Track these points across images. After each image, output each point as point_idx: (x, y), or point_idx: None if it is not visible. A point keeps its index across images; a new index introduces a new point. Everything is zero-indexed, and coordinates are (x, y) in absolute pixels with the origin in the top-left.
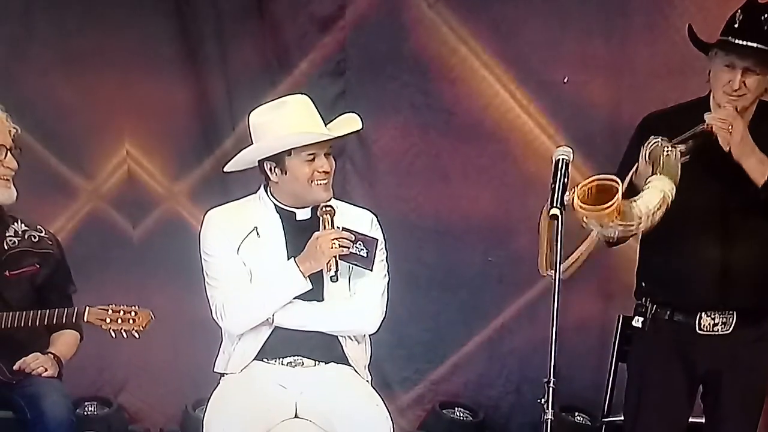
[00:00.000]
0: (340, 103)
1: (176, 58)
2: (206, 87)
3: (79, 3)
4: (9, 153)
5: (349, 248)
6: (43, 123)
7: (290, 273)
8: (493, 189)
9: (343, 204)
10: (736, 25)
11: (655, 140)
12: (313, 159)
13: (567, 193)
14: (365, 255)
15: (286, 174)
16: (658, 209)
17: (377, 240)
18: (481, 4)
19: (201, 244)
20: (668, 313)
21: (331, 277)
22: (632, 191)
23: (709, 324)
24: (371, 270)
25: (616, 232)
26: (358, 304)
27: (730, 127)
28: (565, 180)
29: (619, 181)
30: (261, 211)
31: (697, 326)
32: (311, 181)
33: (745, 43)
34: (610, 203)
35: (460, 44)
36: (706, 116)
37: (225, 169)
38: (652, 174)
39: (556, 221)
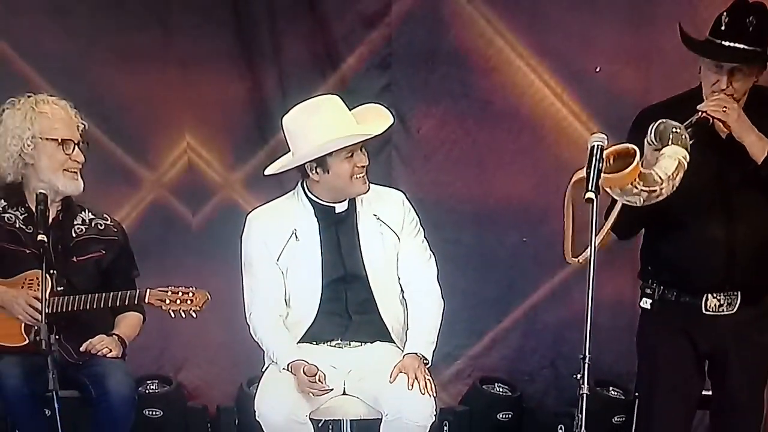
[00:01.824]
0: (386, 95)
1: (232, 54)
2: (260, 81)
3: (141, 3)
4: (77, 147)
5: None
6: (109, 118)
7: (289, 348)
8: (528, 174)
9: (375, 187)
10: (723, 27)
11: (661, 121)
12: (352, 155)
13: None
14: None
15: (328, 173)
16: (676, 174)
17: None
18: None
19: (243, 248)
20: (675, 294)
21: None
22: None
23: (715, 305)
24: None
25: (641, 199)
26: (427, 295)
27: (724, 108)
28: (600, 165)
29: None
30: (299, 212)
31: (703, 307)
32: (352, 177)
33: (731, 44)
34: (631, 166)
35: (497, 37)
36: (699, 106)
37: (266, 173)
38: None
39: (591, 204)
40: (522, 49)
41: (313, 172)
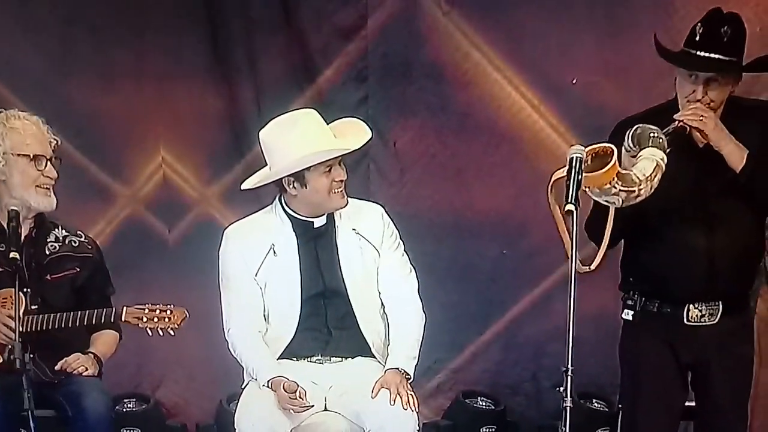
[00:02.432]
0: (363, 108)
1: (208, 68)
2: (236, 95)
3: (115, 16)
4: (49, 163)
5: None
6: (82, 132)
7: (265, 372)
8: (506, 186)
9: (353, 200)
10: (697, 38)
11: (638, 126)
12: (330, 170)
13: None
14: None
15: (306, 187)
16: (654, 175)
17: None
18: (492, 12)
19: (220, 264)
20: (656, 305)
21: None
22: None
23: (697, 315)
24: None
25: (620, 199)
26: (408, 309)
27: (701, 117)
28: (579, 177)
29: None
30: (277, 227)
31: (684, 318)
32: (330, 191)
33: (706, 54)
34: (608, 165)
35: (473, 50)
36: (676, 116)
37: (242, 187)
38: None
39: (570, 216)
40: (499, 61)
41: (291, 186)
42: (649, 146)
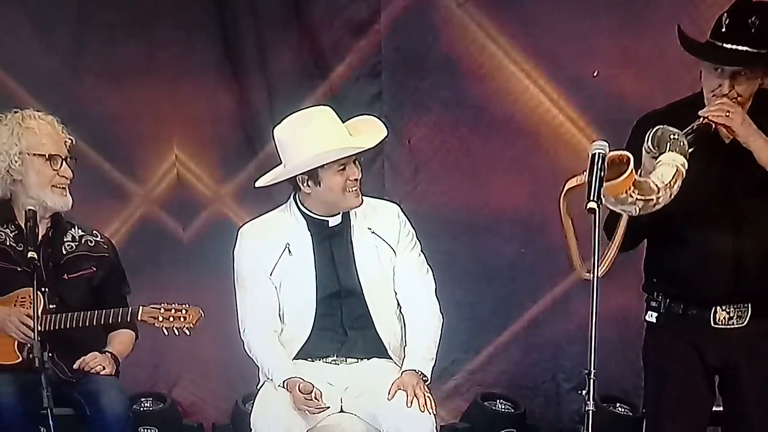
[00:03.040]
0: (377, 104)
1: (219, 66)
2: (248, 93)
3: (126, 15)
4: (64, 162)
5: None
6: (96, 132)
7: (281, 373)
8: (524, 182)
9: (369, 199)
10: (723, 29)
11: (658, 128)
12: (344, 168)
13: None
14: None
15: (320, 186)
16: (674, 181)
17: None
18: (508, 3)
19: (235, 264)
20: (681, 307)
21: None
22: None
23: (725, 318)
24: None
25: (637, 208)
26: (425, 310)
27: (727, 112)
28: (602, 174)
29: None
30: (292, 226)
31: (711, 320)
32: (344, 190)
33: (732, 47)
34: (624, 174)
35: (489, 42)
36: (701, 112)
37: (257, 185)
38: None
39: (593, 214)
40: (516, 54)
41: (305, 184)
42: (668, 150)
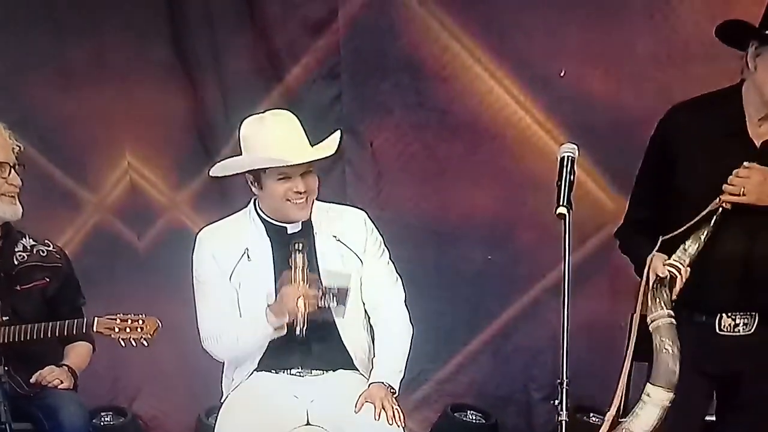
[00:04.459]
0: (336, 107)
1: (171, 68)
2: (202, 95)
3: (74, 17)
4: (13, 170)
5: (315, 305)
6: (45, 137)
7: (260, 320)
8: (491, 187)
9: (334, 206)
10: None
11: (662, 319)
12: (287, 179)
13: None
14: (335, 304)
15: (262, 190)
16: (657, 423)
17: (348, 289)
18: (472, 0)
19: (193, 267)
20: (687, 314)
21: (296, 334)
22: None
23: (730, 325)
24: (342, 317)
25: None
26: (395, 321)
27: (742, 189)
28: (571, 177)
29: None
30: (251, 231)
31: (717, 327)
32: (285, 200)
33: None
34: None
35: (452, 41)
36: (723, 197)
37: (210, 173)
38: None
39: (563, 219)
40: (480, 53)
41: (253, 185)
42: (655, 377)
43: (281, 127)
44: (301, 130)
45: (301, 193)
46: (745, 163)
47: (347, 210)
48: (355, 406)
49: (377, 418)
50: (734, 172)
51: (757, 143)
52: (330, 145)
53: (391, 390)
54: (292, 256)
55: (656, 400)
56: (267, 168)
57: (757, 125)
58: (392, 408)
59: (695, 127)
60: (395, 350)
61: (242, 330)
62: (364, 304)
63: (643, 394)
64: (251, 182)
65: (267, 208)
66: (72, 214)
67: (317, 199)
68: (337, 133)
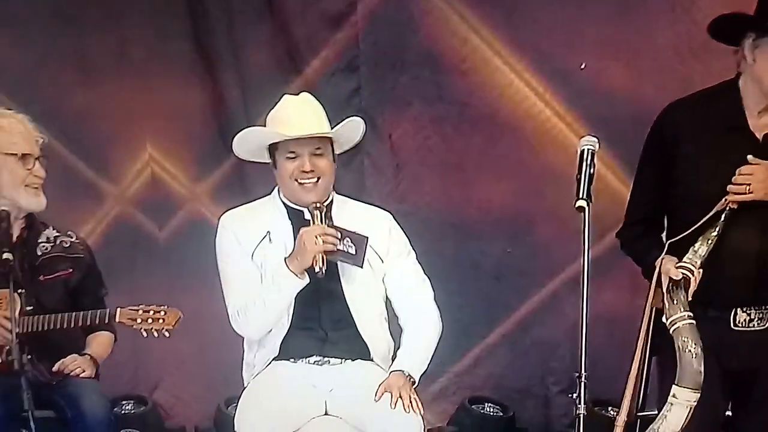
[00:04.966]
0: (355, 100)
1: (191, 62)
2: (222, 88)
3: (95, 12)
4: (37, 162)
5: (335, 245)
6: (68, 130)
7: (281, 272)
8: (510, 179)
9: (361, 205)
10: None
11: (683, 321)
12: (295, 157)
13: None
14: (353, 252)
15: (276, 169)
16: (686, 424)
17: (366, 238)
18: None
19: (216, 249)
20: (702, 309)
21: (317, 273)
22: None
23: (745, 320)
24: (361, 267)
25: None
26: (422, 319)
27: (747, 188)
28: (591, 171)
29: None
30: (273, 215)
31: (732, 322)
32: (295, 180)
33: None
34: None
35: (472, 34)
36: (729, 197)
37: (233, 148)
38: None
39: (582, 212)
40: (500, 46)
41: (272, 167)
42: (679, 377)
43: (294, 105)
44: (318, 109)
45: (307, 173)
46: (749, 157)
47: (373, 210)
48: (375, 395)
49: (393, 406)
50: (738, 170)
51: (759, 136)
52: (343, 127)
53: (411, 380)
54: (312, 213)
55: (683, 400)
56: (279, 146)
57: (758, 118)
58: (409, 397)
59: (695, 123)
60: (420, 344)
61: (266, 293)
62: (388, 302)
63: (670, 396)
64: (272, 164)
65: (282, 189)
66: (94, 206)
67: (340, 193)
68: (359, 120)
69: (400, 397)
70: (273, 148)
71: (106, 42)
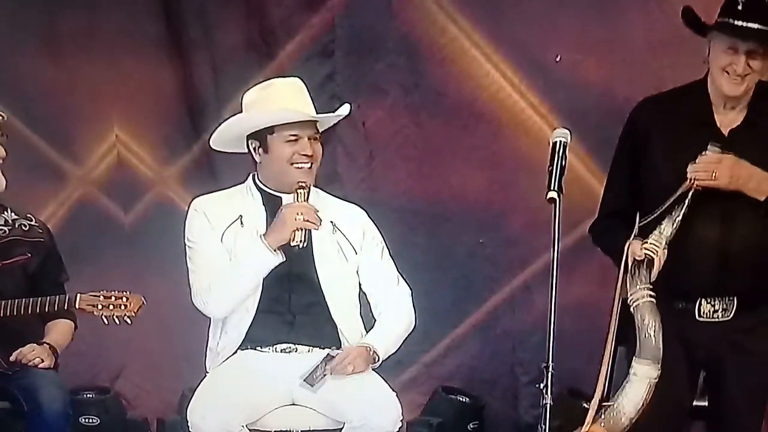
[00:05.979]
0: (329, 85)
1: (162, 41)
2: (192, 70)
3: None
4: None
5: (315, 224)
6: (30, 107)
7: (257, 246)
8: (484, 170)
9: (335, 200)
10: (739, 6)
11: (642, 298)
12: (296, 140)
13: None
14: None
15: (267, 153)
16: (647, 398)
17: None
18: None
19: (186, 231)
20: (667, 301)
21: (293, 246)
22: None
23: (709, 311)
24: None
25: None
26: (399, 310)
27: (713, 173)
28: (563, 162)
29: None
30: (247, 201)
31: (696, 313)
32: (292, 163)
33: (748, 24)
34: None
35: (449, 23)
36: (689, 170)
37: (211, 144)
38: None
39: (553, 204)
40: (477, 36)
41: (256, 152)
42: (639, 352)
43: (292, 88)
44: (307, 94)
45: (308, 156)
46: (710, 144)
47: (347, 205)
48: (336, 362)
49: (342, 368)
50: (701, 156)
51: (725, 132)
52: (340, 113)
53: (375, 356)
54: (297, 192)
55: (642, 375)
56: (276, 129)
57: (724, 114)
58: (355, 364)
59: (665, 118)
60: (391, 328)
61: (236, 268)
62: (362, 294)
63: (630, 372)
64: (255, 148)
65: (269, 174)
66: (56, 188)
67: (315, 185)
68: (346, 107)
69: (352, 363)
70: (261, 135)
71: (75, 18)
